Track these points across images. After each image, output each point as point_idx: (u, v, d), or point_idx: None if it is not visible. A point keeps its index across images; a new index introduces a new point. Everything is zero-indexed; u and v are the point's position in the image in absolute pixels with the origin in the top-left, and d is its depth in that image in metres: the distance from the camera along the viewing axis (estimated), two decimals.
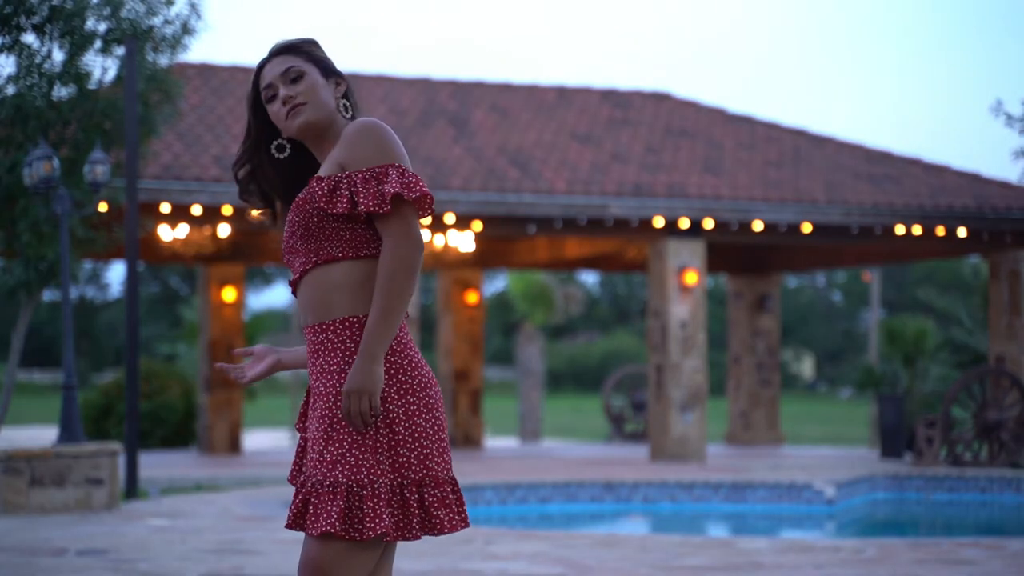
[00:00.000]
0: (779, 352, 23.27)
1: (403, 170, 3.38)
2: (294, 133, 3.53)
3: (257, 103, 3.61)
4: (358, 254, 3.40)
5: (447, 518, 3.38)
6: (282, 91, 3.52)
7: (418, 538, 3.36)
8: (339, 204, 3.37)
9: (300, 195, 3.46)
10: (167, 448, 22.46)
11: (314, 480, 3.33)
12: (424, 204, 3.38)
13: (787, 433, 25.34)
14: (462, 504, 3.44)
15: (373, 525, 3.26)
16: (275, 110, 3.53)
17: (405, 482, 3.32)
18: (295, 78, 3.52)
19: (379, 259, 3.36)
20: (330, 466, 3.31)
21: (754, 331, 22.87)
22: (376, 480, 3.29)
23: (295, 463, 3.55)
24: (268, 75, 3.55)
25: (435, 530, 3.35)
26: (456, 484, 3.44)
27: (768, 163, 19.07)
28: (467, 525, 3.45)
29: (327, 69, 3.58)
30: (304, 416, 3.54)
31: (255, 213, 3.73)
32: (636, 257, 21.86)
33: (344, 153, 3.41)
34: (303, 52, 3.57)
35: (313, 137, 3.54)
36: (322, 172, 3.44)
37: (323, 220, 3.40)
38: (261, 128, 3.62)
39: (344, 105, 3.58)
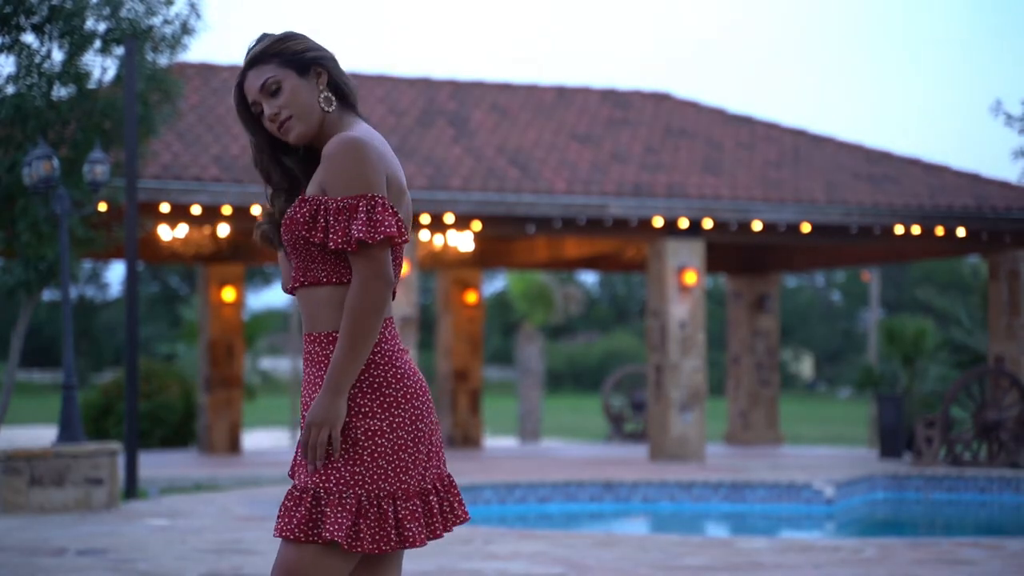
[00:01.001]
0: (778, 352, 23.27)
1: (373, 204, 3.31)
2: (294, 145, 3.48)
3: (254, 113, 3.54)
4: (341, 280, 3.38)
5: (418, 531, 3.38)
6: (266, 109, 3.44)
7: (394, 549, 3.35)
8: (316, 234, 3.34)
9: (287, 214, 3.41)
10: (167, 448, 22.46)
11: (291, 487, 3.39)
12: (393, 243, 3.35)
13: (786, 433, 25.35)
14: (432, 515, 3.43)
15: (332, 529, 3.27)
16: (269, 127, 3.47)
17: (382, 494, 3.33)
18: (274, 91, 3.43)
19: (348, 293, 3.34)
20: (303, 473, 3.36)
21: (753, 331, 22.87)
22: (345, 491, 3.30)
23: (295, 458, 3.57)
24: (250, 92, 3.46)
25: (407, 543, 3.36)
26: (427, 496, 3.42)
27: (768, 163, 19.07)
28: (448, 532, 3.46)
29: (303, 64, 3.44)
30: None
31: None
32: (635, 257, 21.86)
33: (324, 175, 3.36)
34: (274, 55, 3.45)
35: (310, 143, 3.50)
36: (308, 190, 3.39)
37: (307, 244, 3.38)
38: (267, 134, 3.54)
39: (326, 98, 3.45)
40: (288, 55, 3.45)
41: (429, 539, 3.42)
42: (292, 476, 3.56)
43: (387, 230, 3.30)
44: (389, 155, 3.42)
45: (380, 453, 3.34)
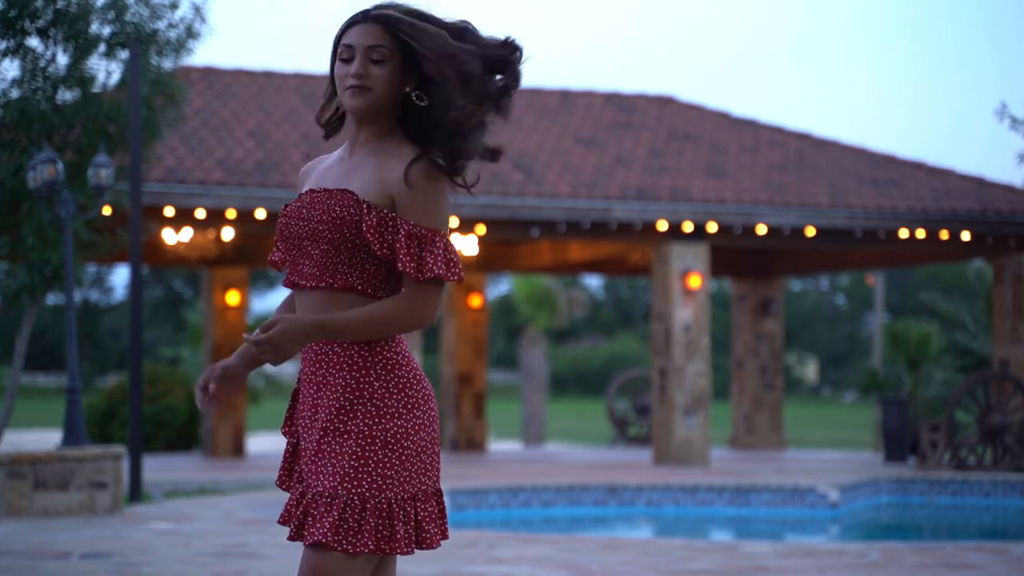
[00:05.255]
0: (783, 356, 23.27)
1: (447, 243, 3.30)
2: (346, 109, 3.35)
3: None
4: (376, 293, 3.33)
5: (435, 532, 3.38)
6: (356, 66, 3.29)
7: (412, 552, 3.34)
8: (381, 246, 3.27)
9: (337, 211, 3.29)
10: (171, 451, 22.45)
11: (314, 492, 3.32)
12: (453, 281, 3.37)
13: (790, 437, 25.33)
14: (444, 516, 3.44)
15: (366, 539, 3.25)
16: (340, 74, 3.33)
17: (405, 496, 3.32)
18: (377, 60, 3.30)
19: (393, 298, 3.29)
20: (331, 478, 3.29)
21: (758, 335, 22.85)
22: (378, 495, 3.28)
23: (283, 468, 3.54)
24: (355, 37, 3.32)
25: (424, 544, 3.35)
26: (440, 496, 3.43)
27: (772, 167, 19.07)
28: (447, 537, 3.45)
29: (415, 67, 3.31)
30: (290, 420, 3.54)
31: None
32: (640, 261, 21.86)
33: (400, 189, 3.27)
34: (403, 31, 3.30)
35: (358, 119, 3.37)
36: (366, 186, 3.29)
37: (357, 248, 3.29)
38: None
39: (418, 95, 3.34)
40: (409, 44, 3.30)
41: (441, 540, 3.41)
42: (283, 486, 3.53)
43: (460, 272, 3.32)
44: None
45: (407, 455, 3.31)
